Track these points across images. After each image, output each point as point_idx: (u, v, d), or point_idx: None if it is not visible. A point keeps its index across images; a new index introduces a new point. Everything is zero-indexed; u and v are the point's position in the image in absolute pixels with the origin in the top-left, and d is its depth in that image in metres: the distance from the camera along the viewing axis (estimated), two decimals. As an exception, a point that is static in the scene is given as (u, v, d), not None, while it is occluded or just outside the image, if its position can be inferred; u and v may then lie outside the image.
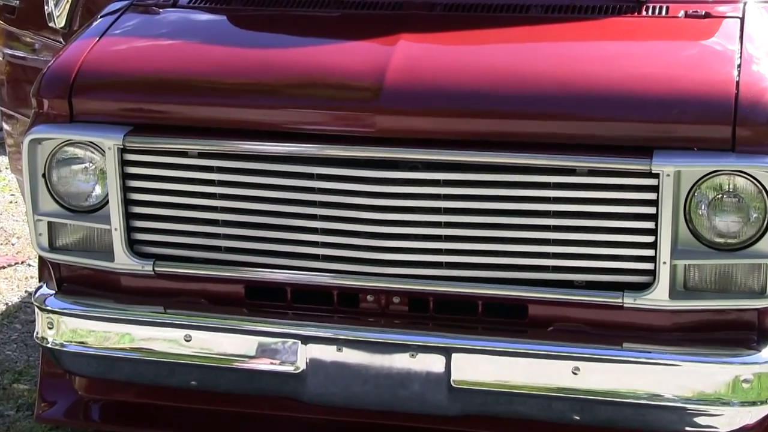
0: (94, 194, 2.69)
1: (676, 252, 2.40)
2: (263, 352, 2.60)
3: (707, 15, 2.67)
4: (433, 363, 2.51)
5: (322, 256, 2.58)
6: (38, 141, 2.66)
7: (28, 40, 3.97)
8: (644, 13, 2.74)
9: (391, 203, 2.50)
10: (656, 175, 2.37)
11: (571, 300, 2.49)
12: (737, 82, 2.40)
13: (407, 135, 2.48)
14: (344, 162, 2.51)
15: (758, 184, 2.36)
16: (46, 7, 3.35)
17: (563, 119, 2.45)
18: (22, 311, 4.40)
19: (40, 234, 2.72)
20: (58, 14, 3.33)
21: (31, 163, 2.67)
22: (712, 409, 2.42)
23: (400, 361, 2.53)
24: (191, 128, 2.59)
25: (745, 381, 2.39)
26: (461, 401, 2.52)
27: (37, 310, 2.77)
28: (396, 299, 2.60)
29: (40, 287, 2.82)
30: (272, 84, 2.60)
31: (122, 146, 2.60)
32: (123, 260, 2.66)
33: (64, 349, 2.72)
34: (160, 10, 2.91)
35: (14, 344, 4.12)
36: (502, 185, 2.45)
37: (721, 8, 2.69)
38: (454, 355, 2.49)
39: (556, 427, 2.57)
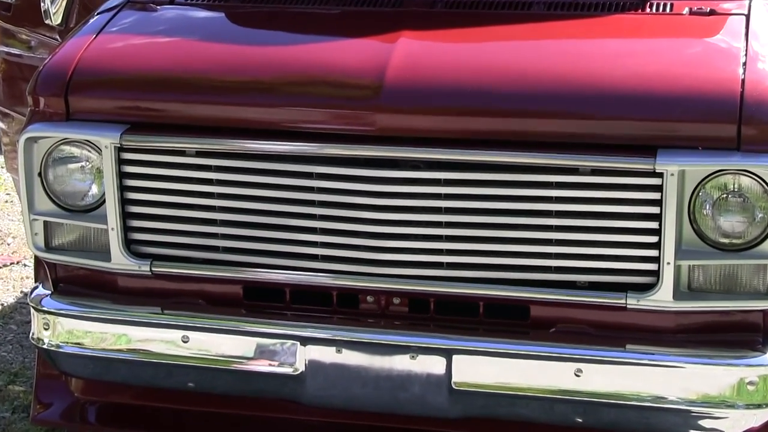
0: (90, 193, 2.69)
1: (680, 252, 2.40)
2: (262, 353, 2.60)
3: (712, 12, 2.67)
4: (434, 365, 2.51)
5: (322, 256, 2.58)
6: (34, 139, 2.66)
7: (24, 37, 3.98)
8: (648, 10, 2.74)
9: (392, 203, 2.50)
10: (660, 175, 2.36)
11: (573, 301, 2.49)
12: (742, 80, 2.40)
13: (408, 133, 2.48)
14: (344, 161, 2.51)
15: (763, 184, 2.36)
16: (42, 4, 3.35)
17: (566, 118, 2.45)
18: (18, 312, 4.40)
19: (36, 234, 2.72)
20: (54, 11, 3.33)
21: (27, 162, 2.66)
22: (716, 412, 2.42)
23: (400, 363, 2.52)
24: (189, 127, 2.59)
25: (750, 383, 2.38)
26: (462, 403, 2.52)
27: (32, 310, 2.76)
28: (396, 300, 2.60)
29: (35, 288, 2.82)
30: (271, 82, 2.60)
31: (119, 145, 2.60)
32: (120, 260, 2.66)
33: (61, 350, 2.72)
34: (158, 6, 2.90)
35: (10, 345, 4.12)
36: (504, 184, 2.45)
37: (726, 5, 2.68)
38: (455, 357, 2.49)
39: (559, 430, 2.57)
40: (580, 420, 2.49)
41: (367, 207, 2.51)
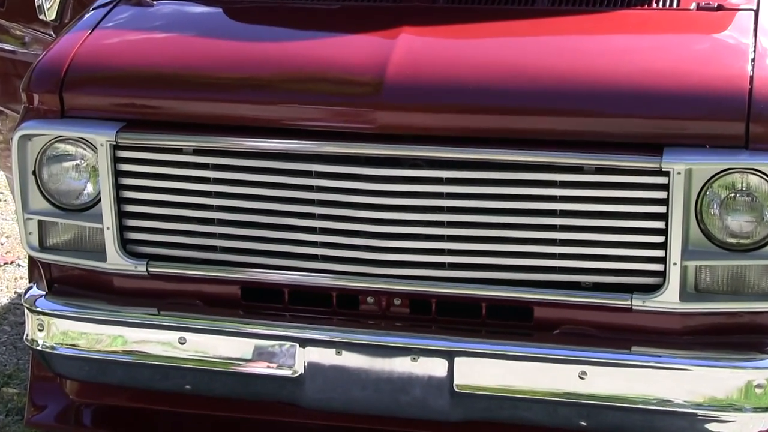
0: (85, 192, 2.69)
1: (686, 253, 2.40)
2: (260, 355, 2.60)
3: (720, 7, 2.67)
4: (435, 367, 2.51)
5: (321, 256, 2.58)
6: (28, 137, 2.66)
7: (18, 33, 3.97)
8: (654, 5, 2.73)
9: (393, 202, 2.50)
10: (666, 173, 2.36)
11: (578, 302, 2.49)
12: (751, 77, 2.39)
13: (409, 131, 2.48)
14: (344, 159, 2.51)
15: (772, 183, 2.36)
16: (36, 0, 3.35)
17: (570, 115, 2.44)
18: (12, 313, 4.40)
19: (30, 233, 2.72)
20: (48, 6, 3.33)
21: (21, 160, 2.66)
22: (723, 415, 2.41)
23: (401, 365, 2.52)
24: (186, 124, 2.59)
25: (758, 386, 2.38)
26: (464, 407, 2.52)
27: (26, 311, 2.76)
28: (397, 301, 2.60)
29: (30, 288, 2.81)
30: (270, 79, 2.60)
31: (115, 143, 2.60)
32: (115, 260, 2.66)
33: (55, 351, 2.72)
34: (154, 2, 2.90)
35: (3, 347, 4.12)
36: (507, 183, 2.45)
37: (735, 0, 2.68)
38: (456, 359, 2.49)
39: (562, 434, 2.57)
40: (585, 423, 2.49)
41: (367, 206, 2.51)
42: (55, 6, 3.36)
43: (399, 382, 2.52)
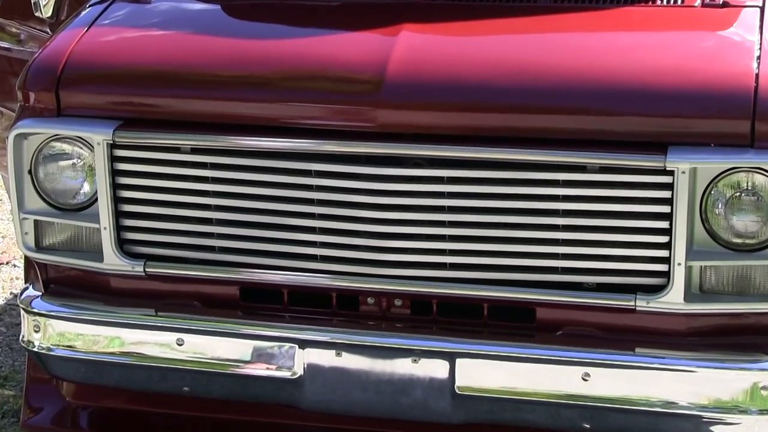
0: (82, 191, 2.69)
1: (691, 253, 2.39)
2: (259, 356, 2.59)
3: (725, 4, 2.66)
4: (437, 369, 2.50)
5: (321, 256, 2.57)
6: (24, 136, 2.65)
7: (14, 30, 3.97)
8: (658, 1, 2.73)
9: (393, 201, 2.50)
10: (671, 173, 2.36)
11: (581, 303, 2.48)
12: (756, 75, 2.39)
13: (410, 130, 2.47)
14: (344, 158, 2.50)
15: (778, 182, 2.36)
16: (32, -4, 3.35)
17: (573, 113, 2.44)
18: (8, 314, 4.40)
19: (26, 233, 2.71)
20: (44, 3, 3.33)
21: (17, 159, 2.66)
22: (729, 417, 2.41)
23: (401, 367, 2.52)
24: (184, 123, 2.58)
25: (764, 388, 2.38)
26: (465, 409, 2.52)
27: (22, 312, 2.76)
28: (398, 302, 2.59)
29: (26, 289, 2.81)
30: (269, 76, 2.59)
31: (112, 141, 2.59)
32: (112, 260, 2.66)
33: (52, 353, 2.71)
34: (151, -2, 2.91)
35: (-1, 348, 4.12)
36: (509, 183, 2.44)
37: (739, -3, 2.68)
38: (458, 361, 2.49)
39: (565, 436, 2.57)
40: (588, 426, 2.49)
41: (367, 206, 2.50)
42: (52, 3, 3.36)
43: (400, 384, 2.52)
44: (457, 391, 2.50)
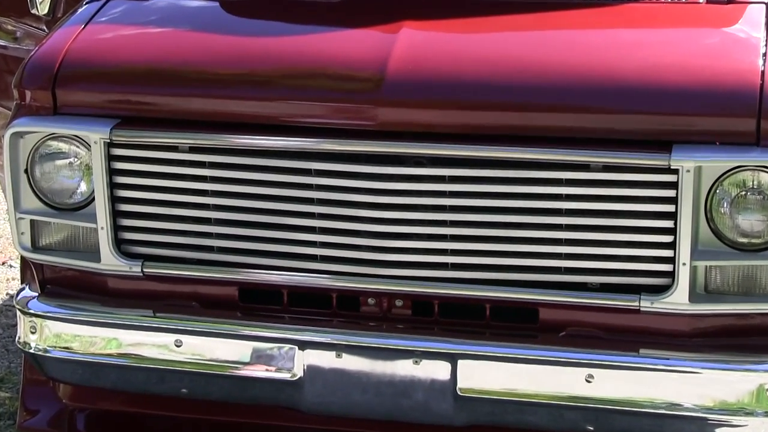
0: (79, 191, 2.69)
1: (696, 252, 2.39)
2: (258, 358, 2.59)
3: (730, 1, 2.66)
4: (438, 370, 2.50)
5: (321, 256, 2.57)
6: (20, 135, 2.65)
7: (10, 27, 3.97)
8: (662, -2, 2.73)
9: (394, 201, 2.49)
10: (675, 171, 2.36)
11: (584, 303, 2.48)
12: (762, 72, 2.39)
13: (411, 128, 2.47)
14: (344, 157, 2.50)
15: (784, 181, 2.36)
16: (28, -7, 3.35)
17: (577, 112, 2.44)
18: (4, 315, 4.40)
19: (22, 233, 2.71)
20: (41, 0, 3.33)
21: (13, 158, 2.66)
22: (734, 420, 2.41)
23: (402, 368, 2.52)
24: (182, 121, 2.58)
25: (770, 389, 2.38)
26: (468, 411, 2.52)
27: (19, 313, 2.76)
28: (399, 302, 2.59)
29: (22, 289, 2.82)
30: (268, 74, 2.59)
31: (109, 140, 2.59)
32: (110, 261, 2.66)
33: (48, 354, 2.71)
34: (149, -5, 2.90)
35: (-5, 349, 4.12)
36: (511, 182, 2.44)
37: (745, -7, 2.68)
38: (460, 362, 2.49)
39: (569, 438, 2.57)
40: (591, 428, 2.49)
41: (368, 205, 2.50)
42: (48, 0, 3.36)
43: (401, 386, 2.52)
44: (458, 392, 2.50)
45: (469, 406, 2.51)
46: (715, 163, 2.36)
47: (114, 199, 2.63)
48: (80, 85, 2.67)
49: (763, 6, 2.62)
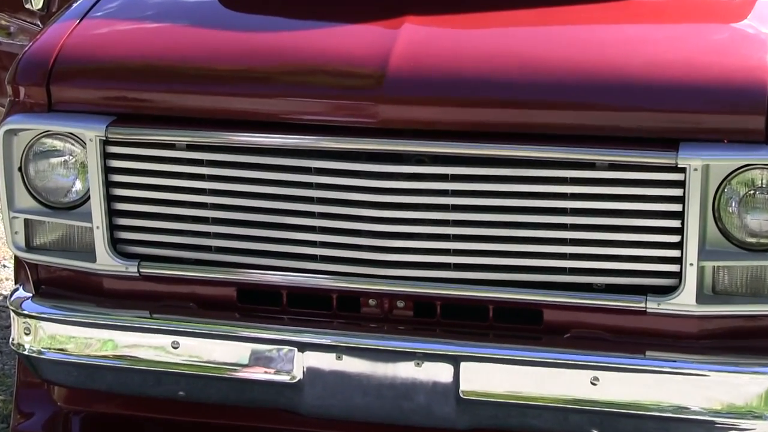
0: (74, 189, 2.68)
1: (703, 253, 2.39)
2: (257, 360, 2.59)
3: (738, -4, 2.66)
4: (440, 372, 2.50)
5: (321, 256, 2.57)
6: (14, 132, 2.65)
7: (3, 23, 3.97)
8: (669, -7, 2.73)
9: (395, 200, 2.49)
10: (683, 170, 2.35)
11: (589, 304, 2.48)
12: (771, 69, 2.39)
13: (412, 126, 2.47)
14: (344, 155, 2.50)
15: (793, 180, 2.36)
16: (22, -12, 3.35)
17: (582, 109, 2.44)
18: (-2, 315, 4.40)
19: (16, 232, 2.71)
20: (35, -5, 3.33)
21: (7, 156, 2.66)
22: (743, 423, 2.41)
23: (404, 371, 2.52)
24: (179, 118, 2.58)
25: (779, 392, 2.38)
26: (470, 414, 2.52)
27: (12, 314, 2.76)
28: (400, 303, 2.59)
29: (16, 290, 2.81)
30: (267, 71, 2.59)
31: (104, 138, 2.59)
32: (105, 261, 2.65)
33: (42, 356, 2.71)
34: (146, -10, 2.90)
35: (-12, 351, 4.12)
36: (515, 180, 2.44)
37: (753, -12, 2.68)
38: (462, 364, 2.48)
39: (574, 442, 2.57)
40: (597, 431, 2.48)
41: (368, 204, 2.50)
42: (42, -5, 3.36)
43: (402, 389, 2.52)
44: (461, 395, 2.49)
45: (472, 409, 2.51)
46: (723, 161, 2.36)
47: (110, 198, 2.63)
48: (75, 81, 2.66)
49: (772, 1, 2.62)
